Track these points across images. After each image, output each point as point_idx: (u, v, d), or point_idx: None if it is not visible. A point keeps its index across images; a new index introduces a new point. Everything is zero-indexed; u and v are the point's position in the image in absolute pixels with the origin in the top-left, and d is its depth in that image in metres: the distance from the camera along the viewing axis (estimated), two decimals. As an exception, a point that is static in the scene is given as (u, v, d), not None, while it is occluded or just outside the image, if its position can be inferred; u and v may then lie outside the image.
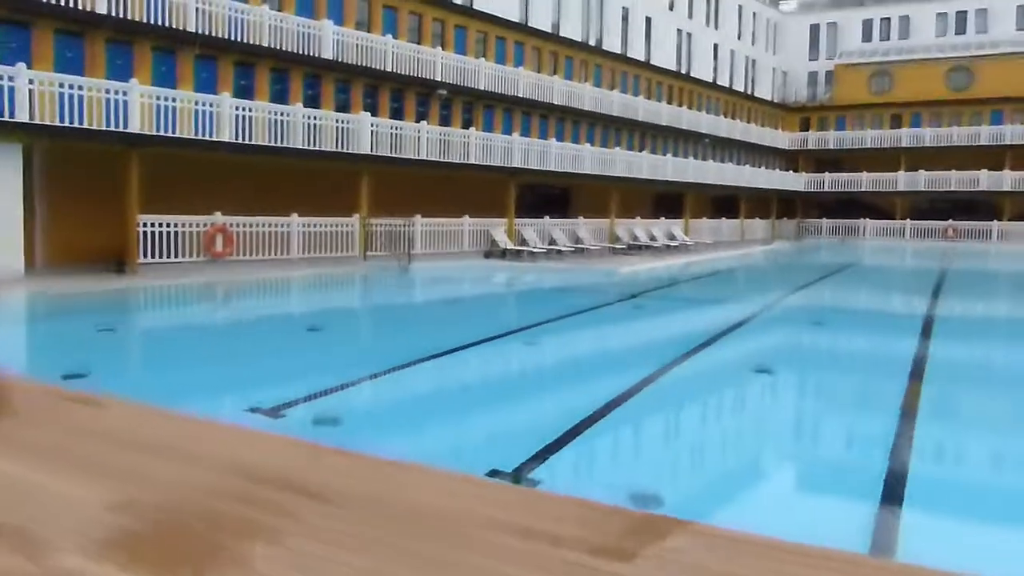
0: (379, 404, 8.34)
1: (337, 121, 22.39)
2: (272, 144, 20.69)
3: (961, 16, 49.93)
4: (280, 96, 23.12)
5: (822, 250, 39.78)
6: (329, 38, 23.59)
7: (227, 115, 19.77)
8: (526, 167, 28.41)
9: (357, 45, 24.56)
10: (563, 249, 28.83)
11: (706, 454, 7.17)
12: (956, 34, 50.01)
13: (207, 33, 20.99)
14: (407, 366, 9.47)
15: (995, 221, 45.12)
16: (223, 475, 1.47)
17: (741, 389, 9.40)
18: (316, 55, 23.45)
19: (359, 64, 24.62)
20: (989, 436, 7.76)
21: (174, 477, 1.59)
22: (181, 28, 20.41)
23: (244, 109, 20.31)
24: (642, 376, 9.12)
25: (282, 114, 21.18)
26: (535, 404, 8.36)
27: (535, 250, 27.37)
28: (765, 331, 13.95)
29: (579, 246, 29.85)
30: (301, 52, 23.10)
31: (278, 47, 22.58)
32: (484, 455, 6.40)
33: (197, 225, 19.15)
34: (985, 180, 45.28)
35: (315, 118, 21.90)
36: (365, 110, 24.53)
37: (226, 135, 19.72)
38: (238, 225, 20.02)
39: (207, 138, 19.38)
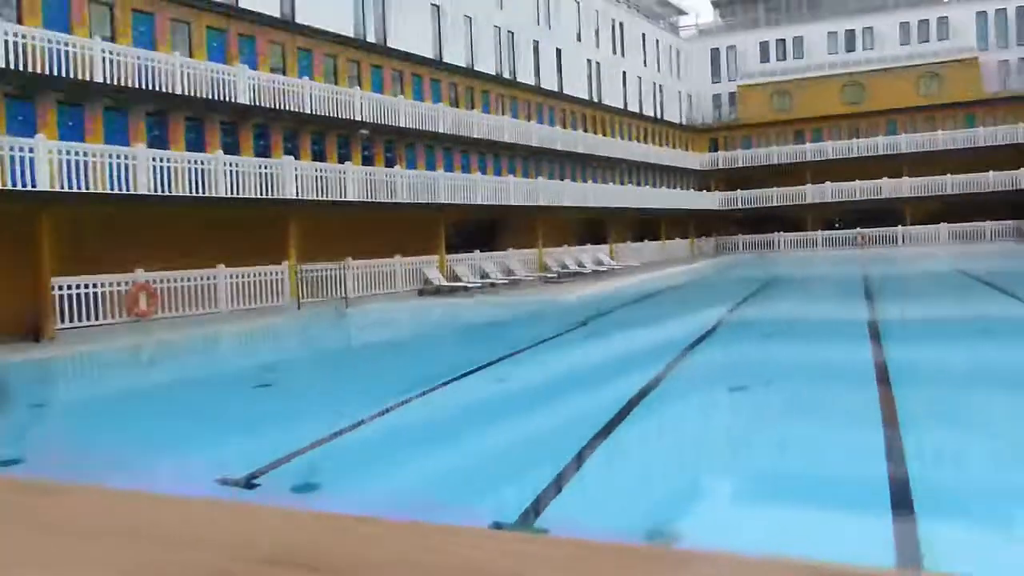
0: (357, 461, 7.81)
1: (260, 167, 21.66)
2: (194, 194, 19.80)
3: (850, 34, 52.62)
4: (196, 145, 22.27)
5: (745, 265, 40.79)
6: (244, 83, 22.92)
7: (144, 167, 18.85)
8: (454, 202, 28.16)
9: (274, 88, 23.94)
10: (497, 282, 28.60)
11: (720, 477, 6.94)
12: (846, 52, 52.64)
13: (116, 83, 20.05)
14: (378, 416, 8.97)
15: (899, 227, 47.29)
16: (237, 560, 1.21)
17: (732, 406, 9.26)
18: (232, 100, 22.71)
19: (277, 108, 23.97)
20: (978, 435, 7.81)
21: (179, 568, 1.22)
22: (88, 79, 19.43)
23: (162, 160, 19.42)
24: (626, 398, 8.89)
25: (202, 162, 20.36)
26: (530, 442, 7.99)
27: (470, 285, 27.05)
28: (732, 345, 13.97)
29: (512, 278, 29.68)
30: (216, 98, 22.33)
31: (192, 94, 21.76)
32: (492, 502, 6.00)
33: (118, 284, 18.07)
34: (886, 188, 47.49)
35: (236, 165, 21.13)
36: (286, 154, 23.88)
37: (144, 188, 18.78)
38: (161, 281, 19.01)
39: (124, 192, 18.40)
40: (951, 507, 5.71)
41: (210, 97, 22.15)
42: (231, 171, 20.86)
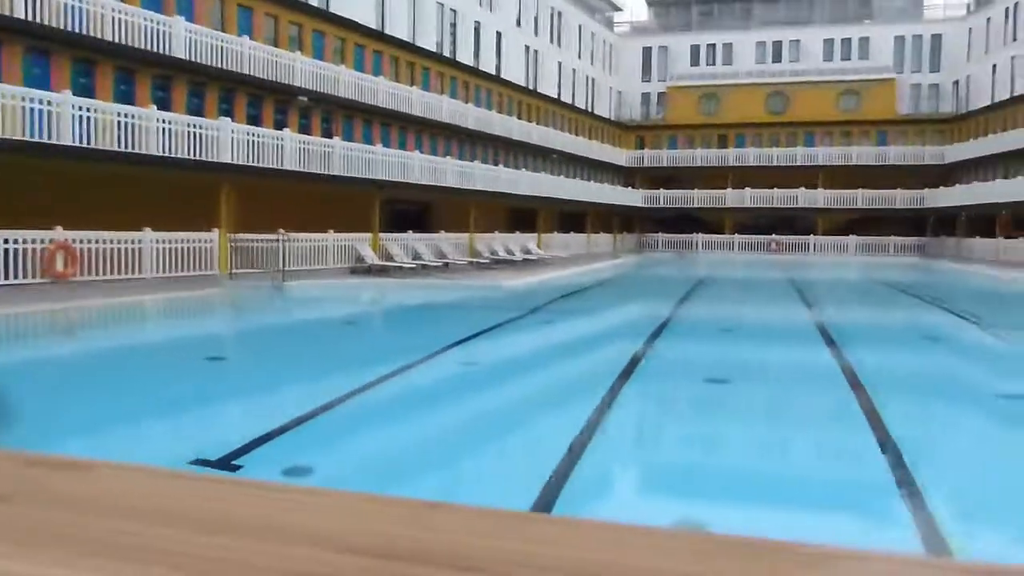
0: (340, 440, 7.26)
1: (194, 127, 20.38)
2: (124, 150, 18.44)
3: (777, 46, 54.13)
4: (126, 99, 20.77)
5: (669, 263, 41.45)
6: (181, 35, 21.51)
7: (68, 116, 17.41)
8: (390, 179, 27.38)
9: (212, 45, 22.59)
10: (429, 264, 28.01)
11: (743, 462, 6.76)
12: (773, 62, 54.15)
13: (38, 21, 18.42)
14: (358, 393, 8.41)
15: (812, 235, 49.10)
16: (319, 550, 1.09)
17: (712, 398, 9.14)
18: (167, 54, 21.29)
19: (215, 66, 22.65)
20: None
21: (248, 560, 1.08)
22: (7, 14, 17.78)
23: (88, 110, 17.98)
24: (604, 389, 8.65)
25: (132, 116, 18.96)
26: (528, 432, 7.63)
27: (404, 265, 26.38)
28: (686, 340, 13.94)
29: (444, 261, 29.14)
30: (150, 49, 20.88)
31: (123, 42, 20.26)
32: (510, 491, 5.62)
33: (35, 242, 16.66)
34: (802, 197, 49.20)
35: (169, 122, 19.80)
36: (221, 116, 22.61)
37: (68, 139, 17.35)
38: (83, 241, 17.65)
39: (44, 141, 16.94)
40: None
41: (143, 47, 20.69)
42: (164, 129, 19.54)
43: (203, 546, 1.12)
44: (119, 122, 18.67)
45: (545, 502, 5.29)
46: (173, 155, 19.65)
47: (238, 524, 1.19)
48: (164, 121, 19.61)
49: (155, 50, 21.00)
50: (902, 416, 8.33)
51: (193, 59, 22.02)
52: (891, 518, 5.39)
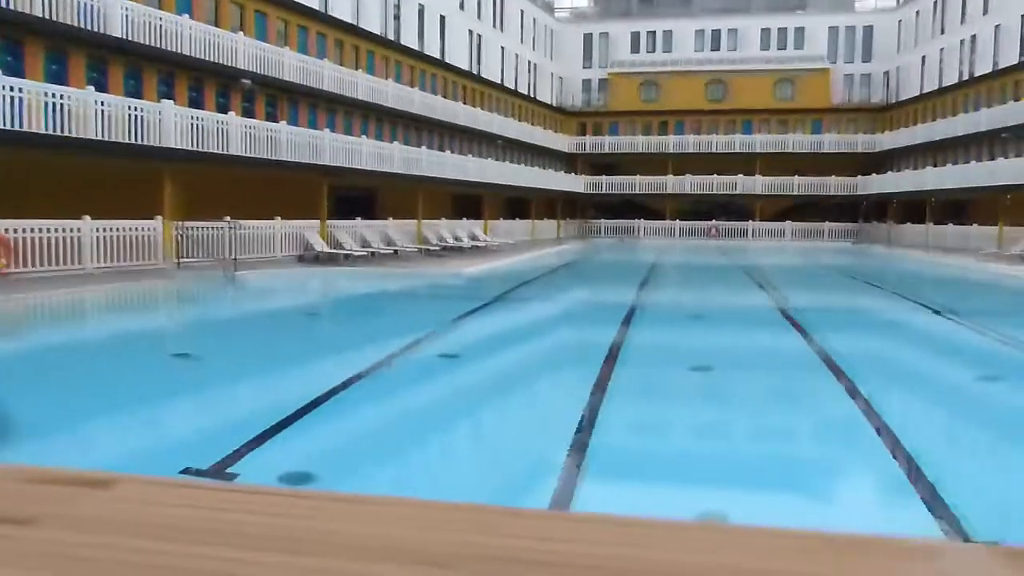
0: (331, 443, 6.90)
1: (134, 110, 19.37)
2: (62, 135, 17.40)
3: (716, 34, 54.79)
4: (58, 80, 19.61)
5: (616, 249, 41.65)
6: (117, 13, 20.41)
7: (-2, 98, 16.31)
8: (339, 165, 26.68)
9: (150, 23, 21.52)
10: (380, 251, 27.44)
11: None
12: (712, 50, 54.81)
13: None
14: (340, 390, 8.03)
15: (751, 221, 50.04)
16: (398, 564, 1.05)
17: (701, 385, 9.05)
18: (102, 32, 20.18)
19: (154, 46, 21.59)
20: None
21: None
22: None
23: (13, 89, 16.86)
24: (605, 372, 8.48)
25: (65, 98, 17.89)
26: (540, 431, 7.39)
27: (354, 253, 25.77)
28: (658, 326, 13.89)
29: (393, 248, 28.60)
30: (83, 27, 19.75)
31: (54, 18, 19.10)
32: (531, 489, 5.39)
33: (-35, 232, 15.61)
34: (741, 184, 50.05)
35: (107, 105, 18.77)
36: (161, 99, 21.59)
37: (-2, 122, 16.26)
38: (17, 231, 16.62)
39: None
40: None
41: (76, 24, 19.56)
42: (102, 112, 18.52)
43: (249, 564, 1.06)
44: (52, 103, 17.60)
45: (562, 495, 5.08)
46: (112, 140, 18.65)
47: (292, 536, 1.12)
48: (102, 104, 18.59)
49: (89, 28, 19.87)
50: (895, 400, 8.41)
51: (129, 38, 20.94)
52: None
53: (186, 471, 5.48)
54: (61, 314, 14.95)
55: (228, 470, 5.68)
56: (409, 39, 36.71)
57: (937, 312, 15.90)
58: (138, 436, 7.12)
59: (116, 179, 19.63)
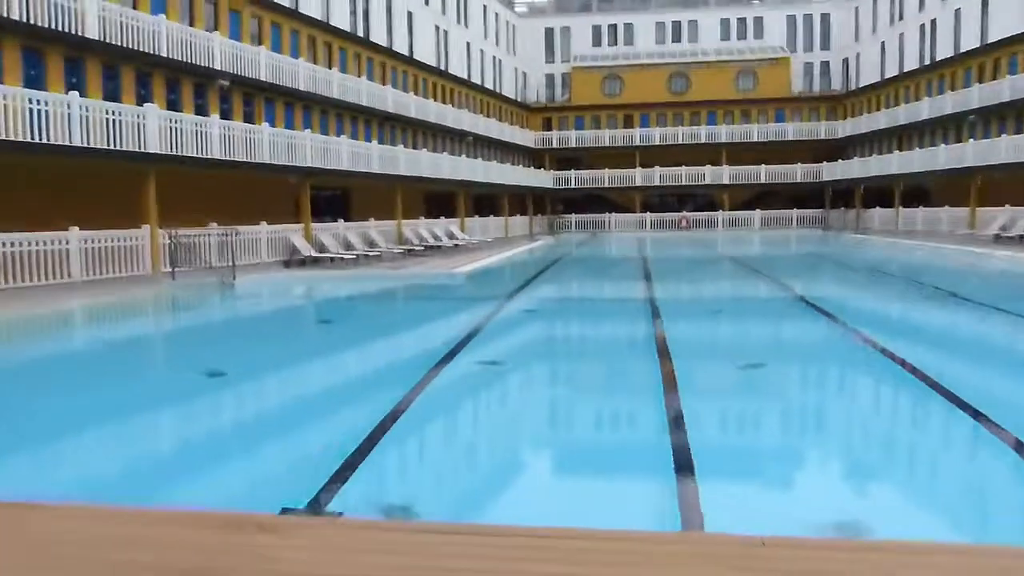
0: (419, 473, 6.45)
1: (115, 114, 18.41)
2: (45, 142, 16.46)
3: (676, 26, 55.06)
4: (35, 83, 18.58)
5: (594, 243, 41.42)
6: (93, 13, 19.43)
7: (-22, 103, 15.33)
8: (320, 166, 25.95)
9: (126, 23, 20.55)
10: (367, 253, 26.75)
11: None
12: (672, 43, 55.07)
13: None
14: (398, 413, 7.55)
15: (719, 211, 50.42)
16: None
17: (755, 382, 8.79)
18: (79, 33, 19.18)
19: (130, 47, 20.62)
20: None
21: None
22: None
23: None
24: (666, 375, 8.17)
25: (44, 103, 16.92)
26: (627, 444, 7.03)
27: (345, 256, 25.07)
28: (683, 321, 13.64)
29: (378, 250, 27.92)
30: (59, 28, 18.74)
31: (30, 20, 18.08)
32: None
33: (-51, 246, 14.63)
34: (709, 175, 50.38)
35: (88, 109, 17.81)
36: (138, 101, 20.66)
37: (-20, 129, 15.29)
38: (4, 244, 15.67)
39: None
40: None
41: (52, 27, 18.54)
42: (85, 117, 17.57)
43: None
44: (31, 109, 16.62)
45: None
46: (92, 146, 17.70)
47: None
48: (85, 108, 17.63)
49: (65, 29, 18.87)
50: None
51: (106, 39, 19.95)
52: None
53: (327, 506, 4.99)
54: (76, 326, 14.09)
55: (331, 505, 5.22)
56: (378, 36, 35.99)
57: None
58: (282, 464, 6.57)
59: (97, 185, 18.69)
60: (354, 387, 9.30)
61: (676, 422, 6.63)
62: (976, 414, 6.98)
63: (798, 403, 8.57)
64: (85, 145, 17.41)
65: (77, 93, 17.73)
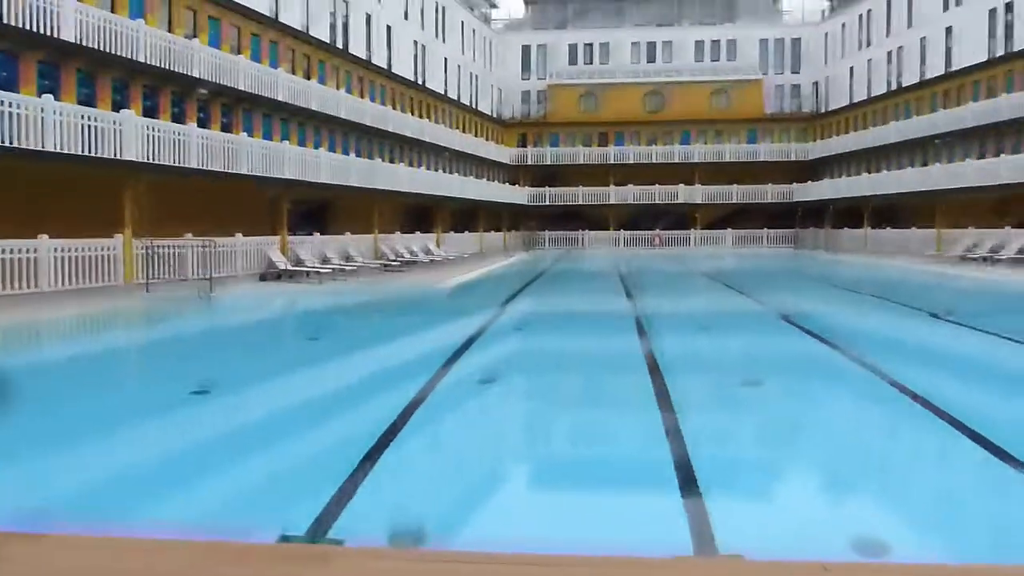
0: (441, 495, 6.26)
1: (92, 120, 18.03)
2: (18, 146, 16.04)
3: (651, 46, 55.59)
4: (7, 86, 18.11)
5: (569, 259, 41.41)
6: (71, 16, 19.04)
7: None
8: (298, 178, 25.66)
9: (104, 27, 20.17)
10: (344, 267, 26.45)
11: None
12: (648, 62, 55.57)
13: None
14: (409, 431, 7.35)
15: (692, 229, 50.80)
16: None
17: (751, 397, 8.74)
18: (55, 35, 18.78)
19: (109, 52, 20.24)
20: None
21: None
22: None
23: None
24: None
25: (17, 106, 16.49)
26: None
27: (322, 270, 24.75)
28: (674, 333, 13.59)
29: (354, 264, 27.62)
30: (35, 30, 18.32)
31: (5, 21, 17.66)
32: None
33: (-83, 253, 14.14)
34: (682, 193, 50.80)
35: (62, 114, 17.38)
36: (114, 108, 20.26)
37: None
38: (-26, 252, 15.20)
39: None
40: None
41: (28, 28, 18.13)
42: (58, 121, 17.16)
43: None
44: (2, 112, 16.18)
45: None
46: (67, 151, 17.29)
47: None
48: (58, 113, 17.22)
49: (41, 31, 18.45)
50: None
51: (83, 43, 19.56)
52: None
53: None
54: (60, 337, 13.64)
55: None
56: (358, 48, 35.83)
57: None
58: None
59: (71, 193, 18.22)
60: (346, 407, 9.07)
61: (674, 434, 6.52)
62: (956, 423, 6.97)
63: (775, 416, 8.54)
64: (59, 150, 17.02)
65: (51, 96, 17.31)
